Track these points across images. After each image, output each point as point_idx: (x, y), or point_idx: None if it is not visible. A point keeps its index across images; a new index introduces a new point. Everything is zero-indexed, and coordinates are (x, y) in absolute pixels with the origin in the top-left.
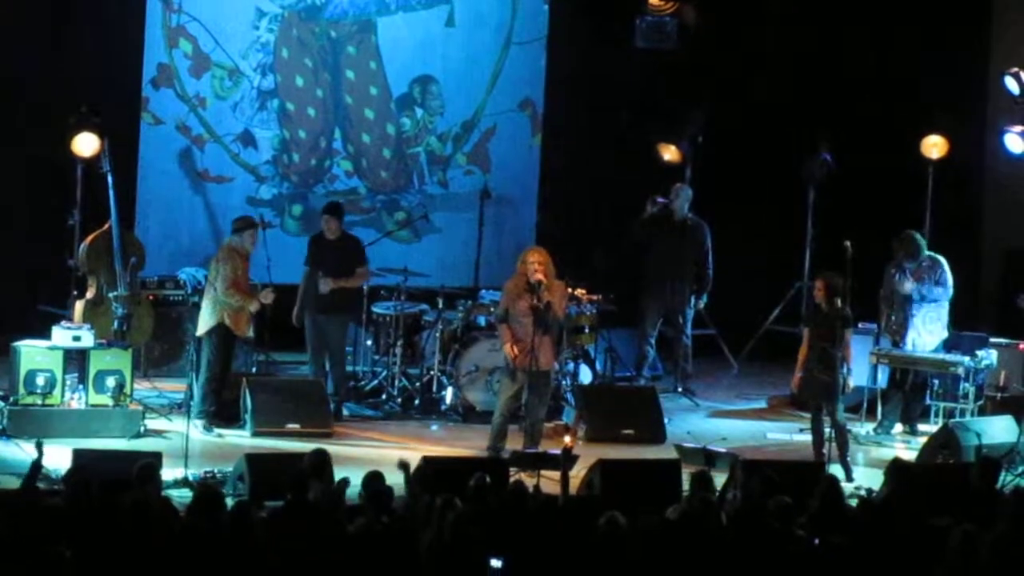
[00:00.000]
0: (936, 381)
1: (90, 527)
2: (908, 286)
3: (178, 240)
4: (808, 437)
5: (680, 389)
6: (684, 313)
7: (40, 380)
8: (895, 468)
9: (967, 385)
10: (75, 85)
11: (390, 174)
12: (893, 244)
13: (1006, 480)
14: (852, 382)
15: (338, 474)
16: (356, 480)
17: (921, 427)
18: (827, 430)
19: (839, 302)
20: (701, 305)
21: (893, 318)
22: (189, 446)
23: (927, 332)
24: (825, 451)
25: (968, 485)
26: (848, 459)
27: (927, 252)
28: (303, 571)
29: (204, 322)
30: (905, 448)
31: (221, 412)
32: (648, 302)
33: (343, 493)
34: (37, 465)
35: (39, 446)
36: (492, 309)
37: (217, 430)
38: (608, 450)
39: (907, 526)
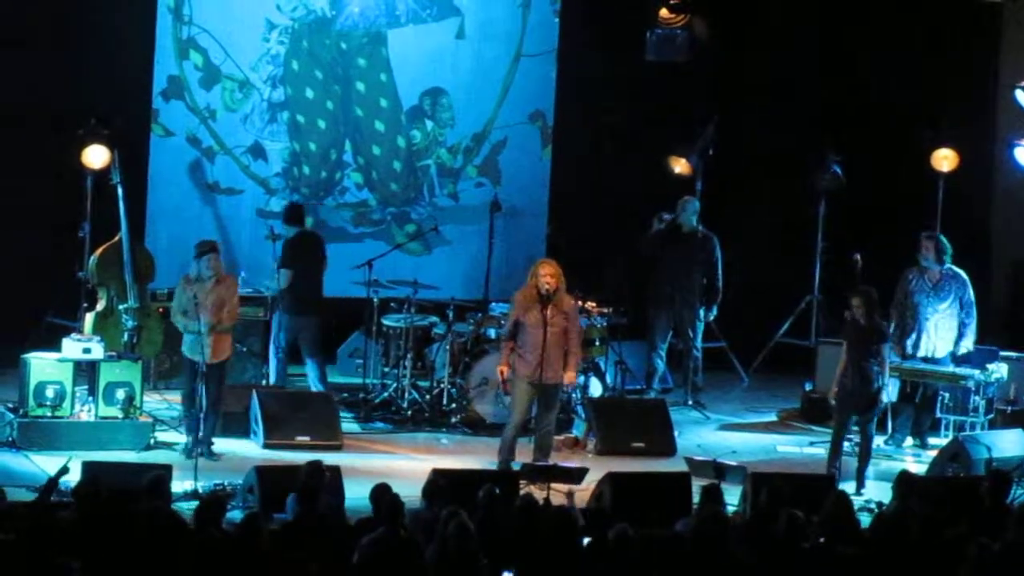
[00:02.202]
0: (947, 394)
1: (100, 539)
2: (923, 296)
3: (188, 252)
4: (819, 450)
5: (690, 402)
6: (694, 325)
7: (50, 392)
8: (902, 481)
9: (977, 398)
10: (85, 97)
11: (400, 186)
12: (921, 241)
13: (1016, 494)
14: (886, 396)
15: (348, 487)
16: (364, 492)
17: (931, 440)
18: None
19: (877, 317)
20: (711, 317)
21: (907, 324)
22: (198, 458)
23: (939, 339)
24: (837, 465)
25: (978, 498)
26: (865, 471)
27: (949, 264)
28: None
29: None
30: (915, 461)
31: (225, 426)
32: (658, 314)
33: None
34: (54, 481)
35: (63, 471)
36: (502, 321)
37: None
38: (618, 463)
39: (917, 539)
